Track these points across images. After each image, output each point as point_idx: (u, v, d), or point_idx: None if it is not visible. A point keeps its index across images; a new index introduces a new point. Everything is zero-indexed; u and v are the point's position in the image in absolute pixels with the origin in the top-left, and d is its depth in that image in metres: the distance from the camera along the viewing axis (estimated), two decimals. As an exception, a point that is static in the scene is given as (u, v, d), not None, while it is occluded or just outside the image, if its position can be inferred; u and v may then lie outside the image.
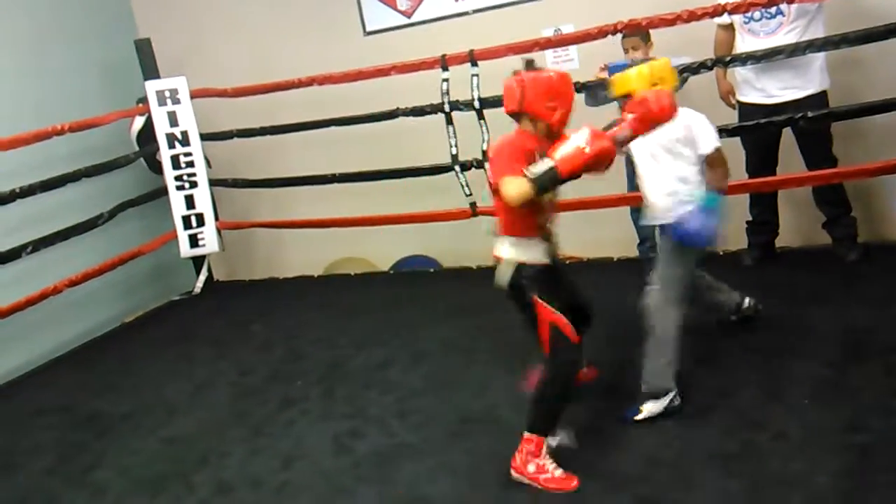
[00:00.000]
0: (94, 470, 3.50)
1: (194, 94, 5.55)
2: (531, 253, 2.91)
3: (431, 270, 5.63)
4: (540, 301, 2.86)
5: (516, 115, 2.92)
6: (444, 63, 4.80)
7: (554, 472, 2.80)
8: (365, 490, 2.98)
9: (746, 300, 3.65)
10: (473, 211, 5.00)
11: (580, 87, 4.46)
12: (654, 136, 2.97)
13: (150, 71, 5.63)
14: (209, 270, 6.06)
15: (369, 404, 3.66)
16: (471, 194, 4.96)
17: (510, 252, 2.91)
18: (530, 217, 2.87)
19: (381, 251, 5.84)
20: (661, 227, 3.19)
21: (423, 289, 5.24)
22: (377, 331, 4.52)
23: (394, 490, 2.95)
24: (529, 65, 2.95)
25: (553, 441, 2.91)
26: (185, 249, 5.71)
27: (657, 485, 2.70)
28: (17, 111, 5.03)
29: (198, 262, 5.98)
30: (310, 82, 5.21)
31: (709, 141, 3.07)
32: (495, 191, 2.80)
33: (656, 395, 3.07)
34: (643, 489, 2.69)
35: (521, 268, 2.88)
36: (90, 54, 5.68)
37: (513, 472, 2.84)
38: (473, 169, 4.93)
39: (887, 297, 3.71)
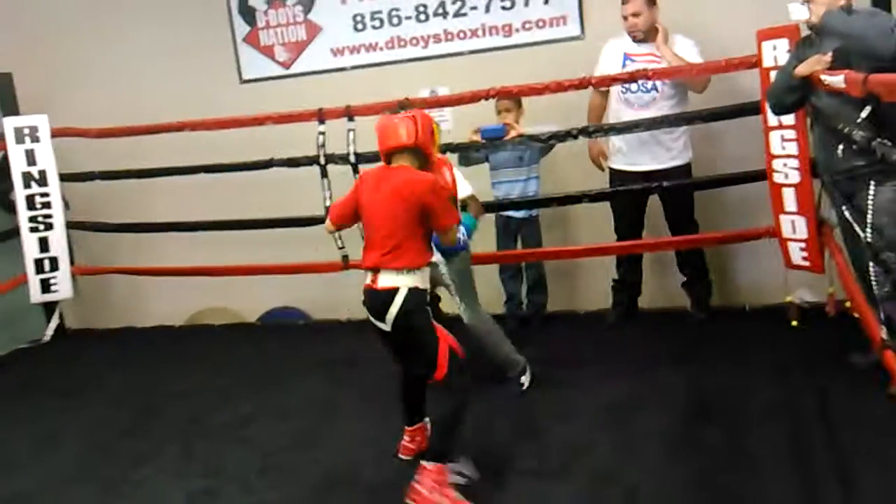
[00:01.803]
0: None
1: (55, 133, 5.30)
2: (425, 281, 3.05)
3: (300, 322, 5.55)
4: (437, 324, 3.04)
5: (403, 151, 3.03)
6: (321, 116, 4.82)
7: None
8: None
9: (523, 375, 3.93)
10: (345, 263, 4.99)
11: (453, 149, 4.60)
12: None
13: (9, 107, 5.37)
14: (61, 317, 5.73)
15: (229, 462, 3.53)
16: (343, 247, 4.95)
17: (407, 281, 2.96)
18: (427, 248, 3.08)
19: (247, 302, 5.72)
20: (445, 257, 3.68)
21: (291, 341, 5.15)
22: (241, 385, 4.39)
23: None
24: (405, 105, 3.05)
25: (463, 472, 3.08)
26: (37, 294, 5.37)
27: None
28: None
29: (49, 308, 5.64)
30: (181, 127, 5.10)
31: (464, 188, 3.63)
32: (443, 230, 3.04)
33: (522, 371, 3.86)
34: None
35: (417, 294, 2.97)
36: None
37: None
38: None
39: (731, 359, 3.97)
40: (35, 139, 5.23)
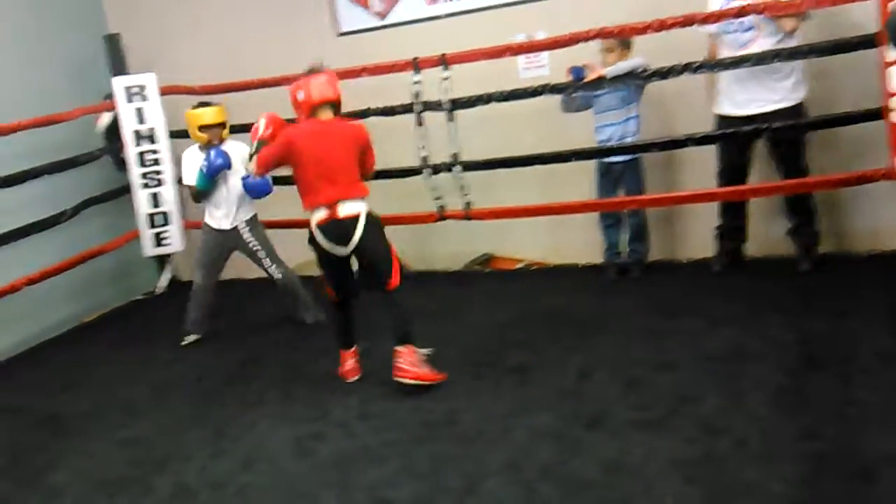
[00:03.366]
0: (49, 472, 3.42)
1: (163, 92, 5.47)
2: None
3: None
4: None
5: (330, 105, 3.65)
6: (417, 65, 4.79)
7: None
8: (326, 493, 2.95)
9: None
10: (441, 214, 5.00)
11: (552, 92, 4.52)
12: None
13: (119, 67, 5.55)
14: (173, 270, 5.98)
15: (331, 408, 3.63)
16: (439, 197, 4.95)
17: (363, 206, 3.63)
18: None
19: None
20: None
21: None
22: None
23: (355, 493, 2.92)
24: (316, 67, 3.65)
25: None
26: (149, 248, 5.62)
27: (616, 491, 2.70)
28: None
29: (161, 261, 5.90)
30: (279, 82, 5.16)
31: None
32: (371, 168, 3.82)
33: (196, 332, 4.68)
34: (601, 495, 2.69)
35: (372, 215, 3.65)
36: (58, 49, 5.59)
37: (409, 381, 3.57)
38: (443, 172, 4.92)
39: (842, 308, 3.78)
40: (144, 97, 5.40)
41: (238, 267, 6.06)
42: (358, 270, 3.75)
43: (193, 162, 4.51)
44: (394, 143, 5.07)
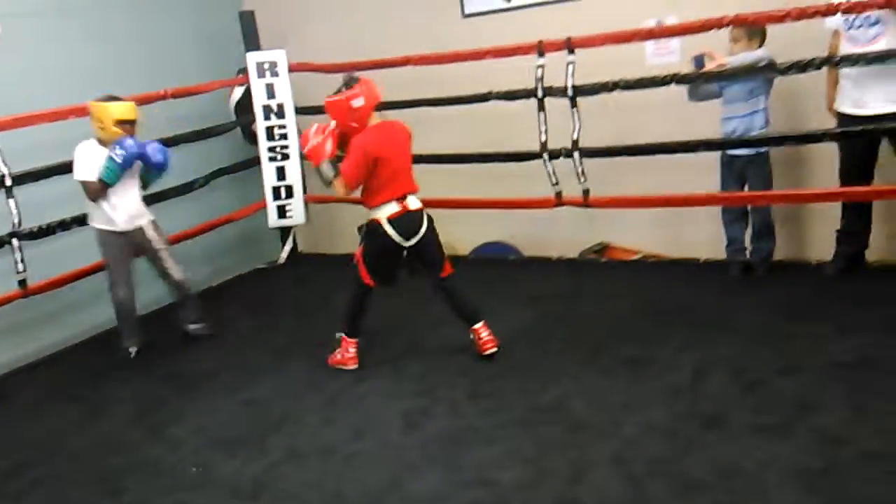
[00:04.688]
0: (171, 425, 3.63)
1: (293, 68, 5.64)
2: None
3: (510, 258, 5.60)
4: None
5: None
6: (541, 48, 4.75)
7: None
8: (432, 469, 3.00)
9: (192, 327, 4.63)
10: (558, 200, 4.95)
11: (680, 81, 4.39)
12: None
13: (252, 43, 5.75)
14: (294, 241, 6.18)
15: (441, 385, 3.68)
16: (557, 183, 4.91)
17: (420, 203, 3.85)
18: None
19: (462, 235, 5.83)
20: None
21: (501, 276, 5.22)
22: (453, 315, 4.52)
23: (461, 472, 2.95)
24: (350, 80, 3.77)
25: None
26: (273, 219, 5.83)
27: (729, 494, 2.63)
28: (122, 75, 5.19)
29: (284, 233, 6.11)
30: (405, 62, 5.24)
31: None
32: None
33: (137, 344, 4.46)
34: (713, 497, 2.62)
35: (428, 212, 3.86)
36: (196, 23, 5.84)
37: (494, 350, 3.84)
38: (562, 158, 4.86)
39: None
40: (274, 73, 5.59)
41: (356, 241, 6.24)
42: (408, 260, 3.93)
43: (91, 156, 4.10)
44: (512, 126, 5.08)
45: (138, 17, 5.46)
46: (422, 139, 5.47)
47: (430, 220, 3.86)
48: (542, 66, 4.77)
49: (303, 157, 5.72)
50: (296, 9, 6.07)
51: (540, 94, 4.80)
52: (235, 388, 3.93)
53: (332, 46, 5.78)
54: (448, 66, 5.15)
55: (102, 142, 4.11)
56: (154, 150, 4.17)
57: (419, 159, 5.41)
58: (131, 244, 4.30)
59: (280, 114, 5.65)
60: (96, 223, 4.24)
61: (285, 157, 5.70)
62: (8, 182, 4.35)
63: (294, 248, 6.20)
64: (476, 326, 3.88)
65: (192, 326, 4.62)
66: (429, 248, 3.86)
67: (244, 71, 5.66)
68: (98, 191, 4.10)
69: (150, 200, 5.12)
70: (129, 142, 4.04)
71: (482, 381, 3.67)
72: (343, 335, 3.99)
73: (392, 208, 3.74)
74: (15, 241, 4.39)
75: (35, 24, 4.81)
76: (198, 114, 5.57)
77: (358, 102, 3.70)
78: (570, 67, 4.67)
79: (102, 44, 5.20)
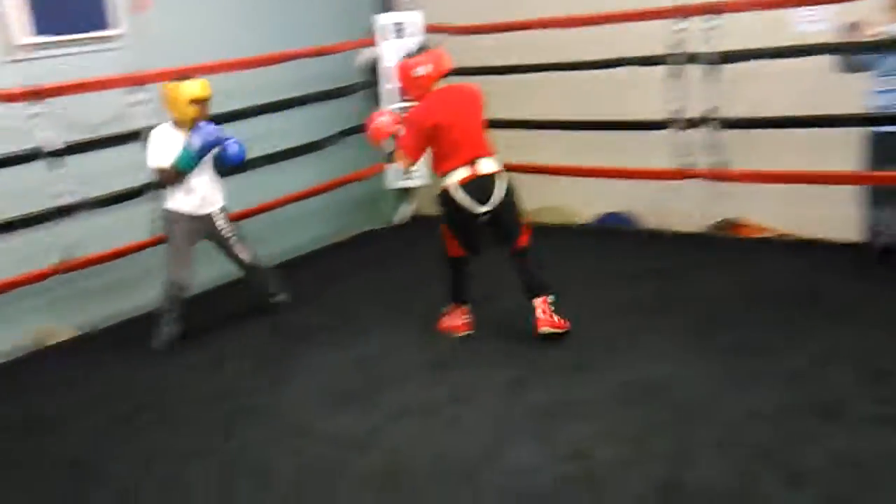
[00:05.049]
0: (285, 377, 3.77)
1: (427, 30, 5.63)
2: None
3: (628, 229, 5.44)
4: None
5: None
6: (683, 12, 4.55)
7: None
8: (529, 439, 3.00)
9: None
10: (687, 172, 4.77)
11: (832, 51, 4.11)
12: None
13: (387, 4, 5.78)
14: (413, 204, 6.25)
15: (543, 356, 3.65)
16: (689, 154, 4.72)
17: (499, 165, 3.72)
18: None
19: (582, 202, 5.73)
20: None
21: (618, 247, 5.11)
22: (562, 283, 4.45)
23: (558, 445, 2.93)
24: (424, 46, 3.73)
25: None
26: (393, 180, 5.90)
27: (842, 486, 2.49)
28: (256, 34, 5.36)
29: (403, 194, 6.18)
30: (539, 24, 5.13)
31: None
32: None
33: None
34: (825, 489, 2.50)
35: (508, 175, 3.72)
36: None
37: (548, 330, 3.69)
38: (693, 129, 4.67)
39: None
40: (406, 34, 5.60)
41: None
42: (488, 227, 3.76)
43: (165, 141, 4.02)
44: (638, 93, 4.91)
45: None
46: (544, 104, 5.43)
47: (509, 187, 3.72)
48: (682, 31, 4.57)
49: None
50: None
51: (679, 60, 4.61)
52: (348, 345, 4.03)
53: (465, 10, 5.72)
54: (578, 30, 5.02)
55: (178, 124, 4.04)
56: (231, 142, 4.09)
57: (542, 125, 5.39)
58: (199, 229, 4.21)
59: (408, 75, 5.66)
60: (169, 204, 4.15)
61: (410, 118, 5.73)
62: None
63: (414, 210, 6.27)
64: (537, 301, 3.74)
65: (273, 299, 4.56)
66: (506, 215, 3.72)
67: (375, 31, 5.70)
68: (172, 178, 4.03)
69: (282, 157, 5.34)
70: (207, 129, 3.96)
71: (585, 354, 3.62)
72: (453, 304, 4.00)
73: (462, 173, 3.63)
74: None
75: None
76: (329, 74, 5.68)
77: (420, 71, 3.65)
78: (712, 33, 4.45)
79: (238, 4, 5.37)
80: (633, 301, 4.12)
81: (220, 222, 4.26)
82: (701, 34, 4.50)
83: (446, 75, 3.74)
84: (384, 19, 5.65)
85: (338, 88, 5.72)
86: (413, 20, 5.61)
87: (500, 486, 2.72)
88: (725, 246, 4.94)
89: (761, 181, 4.66)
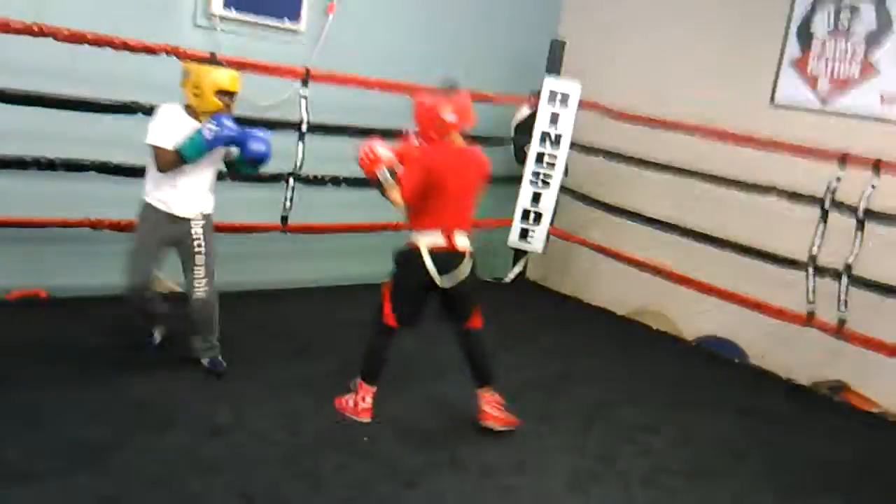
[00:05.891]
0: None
1: (582, 104, 5.69)
2: None
3: (735, 361, 5.24)
4: None
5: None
6: (844, 159, 4.45)
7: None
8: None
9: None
10: (809, 319, 4.59)
11: None
12: None
13: (554, 70, 5.88)
14: (525, 267, 6.24)
15: (621, 457, 3.55)
16: (813, 302, 4.55)
17: (469, 244, 3.47)
18: None
19: (689, 318, 5.58)
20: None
21: (719, 375, 4.92)
22: (653, 394, 4.35)
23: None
24: (454, 84, 3.38)
25: None
26: (515, 239, 5.93)
27: None
28: (428, 66, 5.48)
29: (518, 255, 6.19)
30: (694, 130, 5.12)
31: None
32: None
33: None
34: None
35: (474, 256, 3.48)
36: (509, 39, 6.04)
37: (499, 427, 3.52)
38: (828, 279, 4.51)
39: None
40: (564, 104, 5.68)
41: (581, 287, 6.16)
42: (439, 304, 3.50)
43: (173, 121, 3.48)
44: (775, 225, 4.84)
45: (460, 18, 5.76)
46: (684, 211, 5.35)
47: (475, 267, 3.46)
48: (839, 179, 4.45)
49: (562, 190, 5.80)
50: (605, 49, 6.10)
51: (827, 205, 4.49)
52: (426, 381, 4.01)
53: (627, 94, 5.76)
54: (736, 147, 4.97)
55: (192, 110, 3.51)
56: (255, 139, 3.55)
57: (677, 229, 5.30)
58: (171, 233, 3.60)
59: (556, 143, 5.73)
60: (149, 197, 3.59)
61: (546, 184, 5.78)
62: (304, 128, 4.77)
63: (522, 273, 6.26)
64: (484, 391, 3.54)
65: (204, 360, 3.78)
66: (464, 293, 3.45)
67: (536, 94, 5.79)
68: (171, 163, 3.45)
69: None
70: (229, 122, 3.45)
71: (663, 472, 3.47)
72: (360, 380, 3.53)
73: (436, 240, 3.34)
74: (291, 181, 4.82)
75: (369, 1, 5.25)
76: (480, 121, 5.74)
77: (448, 115, 3.32)
78: (870, 189, 4.32)
79: (423, 33, 5.56)
80: (723, 435, 3.96)
81: (197, 230, 3.64)
82: (860, 187, 4.37)
83: (466, 130, 3.44)
84: (549, 84, 5.73)
85: (486, 137, 5.80)
86: (573, 91, 5.67)
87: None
88: (829, 408, 4.63)
89: (887, 353, 4.42)
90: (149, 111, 3.84)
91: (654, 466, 3.51)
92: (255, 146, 3.53)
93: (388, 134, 4.98)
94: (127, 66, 4.15)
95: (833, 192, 4.50)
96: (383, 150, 3.32)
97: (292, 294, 5.14)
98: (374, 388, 3.51)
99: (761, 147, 4.85)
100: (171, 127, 3.45)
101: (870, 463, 3.90)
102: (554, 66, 5.90)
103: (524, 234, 5.89)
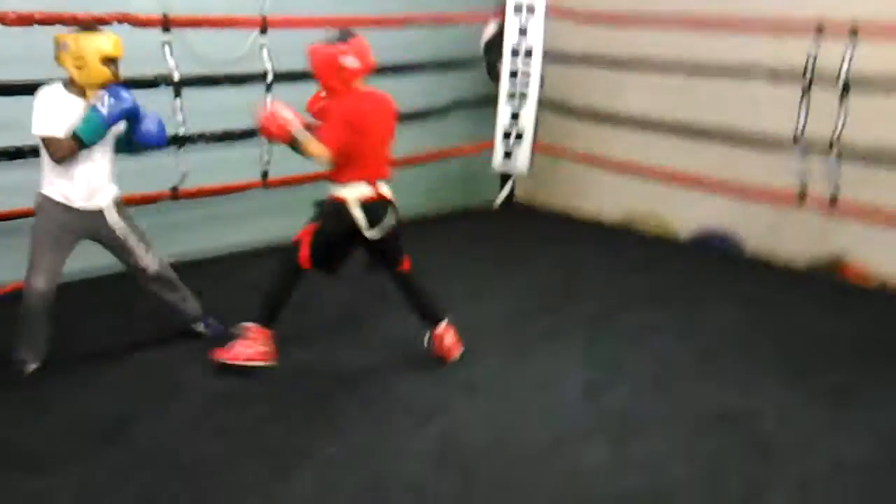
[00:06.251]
0: (371, 335, 3.78)
1: (550, 12, 5.54)
2: None
3: (732, 252, 5.23)
4: None
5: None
6: (820, 29, 4.36)
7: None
8: (599, 442, 2.94)
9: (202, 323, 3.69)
10: (801, 198, 4.57)
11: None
12: None
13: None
14: (512, 188, 6.19)
15: (631, 365, 3.57)
16: (805, 182, 4.52)
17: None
18: None
19: (681, 214, 5.54)
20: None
21: (716, 269, 4.93)
22: (654, 294, 4.38)
23: (628, 456, 2.86)
24: (348, 34, 3.21)
25: None
26: (498, 161, 5.85)
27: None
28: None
29: (504, 177, 6.13)
30: (675, 22, 4.99)
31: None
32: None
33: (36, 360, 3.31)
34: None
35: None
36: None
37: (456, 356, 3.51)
38: (819, 156, 4.47)
39: None
40: (531, 13, 5.52)
41: (571, 199, 6.12)
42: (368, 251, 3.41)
43: (59, 104, 3.11)
44: (760, 107, 4.79)
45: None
46: (665, 107, 5.26)
47: (397, 213, 3.34)
48: (819, 48, 4.38)
49: (540, 103, 5.70)
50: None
51: (808, 78, 4.42)
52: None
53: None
54: (703, 37, 4.87)
55: (76, 85, 3.14)
56: (150, 119, 3.28)
57: (659, 126, 5.23)
58: (82, 227, 3.29)
59: (528, 56, 5.59)
60: (45, 189, 3.23)
61: (523, 100, 5.67)
62: (269, 79, 4.66)
63: (510, 195, 6.21)
64: (438, 329, 3.50)
65: (197, 326, 3.71)
66: (392, 242, 3.37)
67: (501, 8, 5.63)
68: (70, 149, 3.09)
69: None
70: (121, 94, 3.11)
71: (674, 371, 3.51)
72: (255, 324, 3.35)
73: (363, 190, 3.23)
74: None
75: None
76: (448, 43, 5.64)
77: (350, 62, 3.14)
78: (849, 54, 4.24)
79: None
80: (727, 329, 3.98)
81: (113, 216, 3.34)
82: (839, 55, 4.30)
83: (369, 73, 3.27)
84: (512, -4, 5.57)
85: (455, 60, 5.69)
86: (538, 1, 5.52)
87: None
88: (827, 288, 4.65)
89: (885, 222, 4.40)
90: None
91: (663, 365, 3.54)
92: (148, 126, 3.26)
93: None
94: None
95: (813, 64, 4.41)
96: (287, 112, 3.09)
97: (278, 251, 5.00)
98: (270, 332, 3.36)
99: (738, 30, 4.73)
100: (57, 111, 3.09)
101: (873, 336, 3.94)
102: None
103: (507, 155, 5.82)
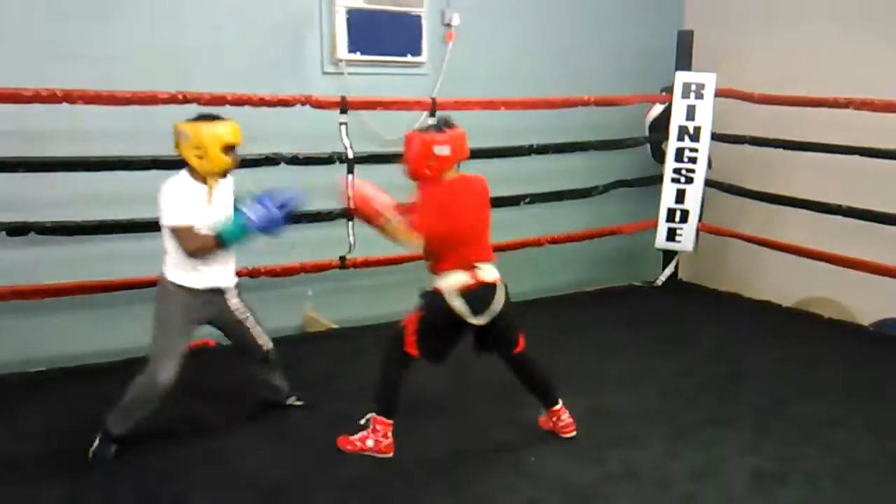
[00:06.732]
0: (526, 411, 3.72)
1: (719, 93, 5.47)
2: None
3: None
4: None
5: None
6: None
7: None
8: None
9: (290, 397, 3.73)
10: None
11: None
12: None
13: (684, 62, 5.68)
14: (676, 267, 6.04)
15: (801, 454, 3.34)
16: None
17: (498, 272, 3.30)
18: None
19: (863, 301, 5.18)
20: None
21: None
22: (831, 386, 4.07)
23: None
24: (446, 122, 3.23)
25: None
26: (661, 240, 5.75)
27: None
28: (547, 77, 5.51)
29: (667, 256, 6.00)
30: (846, 104, 4.78)
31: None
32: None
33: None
34: None
35: (505, 283, 3.30)
36: (630, 37, 5.91)
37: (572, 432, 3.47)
38: None
39: None
40: (699, 96, 5.47)
41: (740, 282, 5.86)
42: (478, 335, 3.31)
43: (188, 196, 3.13)
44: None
45: (579, 25, 5.70)
46: (842, 190, 4.99)
47: (507, 294, 3.27)
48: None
49: (707, 183, 5.57)
50: (735, 32, 5.83)
51: None
52: (586, 394, 3.91)
53: (765, 77, 5.49)
54: (890, 115, 4.61)
55: (199, 175, 3.16)
56: (286, 197, 3.16)
57: (836, 210, 4.95)
58: (205, 311, 3.30)
59: (694, 137, 5.53)
60: (170, 273, 3.23)
61: (689, 180, 5.58)
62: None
63: (674, 274, 6.06)
64: (556, 408, 3.46)
65: (290, 400, 3.75)
66: (502, 323, 3.26)
67: (668, 89, 5.62)
68: (206, 245, 3.13)
69: (550, 198, 5.41)
70: (272, 205, 3.11)
71: (852, 468, 3.24)
72: (374, 415, 3.33)
73: (461, 279, 3.17)
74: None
75: (486, 21, 5.28)
76: (613, 124, 5.68)
77: (442, 150, 3.13)
78: None
79: (542, 45, 5.55)
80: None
81: (234, 300, 3.38)
82: None
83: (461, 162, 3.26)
84: (681, 78, 5.54)
85: (620, 139, 5.70)
86: (708, 82, 5.46)
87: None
88: None
89: None
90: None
91: (843, 462, 3.27)
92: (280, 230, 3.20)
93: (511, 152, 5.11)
94: (268, 121, 4.31)
95: None
96: (378, 192, 3.09)
97: (361, 331, 4.89)
98: (391, 422, 3.31)
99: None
100: (187, 201, 3.12)
101: None
102: (684, 58, 5.68)
103: (671, 233, 5.70)
